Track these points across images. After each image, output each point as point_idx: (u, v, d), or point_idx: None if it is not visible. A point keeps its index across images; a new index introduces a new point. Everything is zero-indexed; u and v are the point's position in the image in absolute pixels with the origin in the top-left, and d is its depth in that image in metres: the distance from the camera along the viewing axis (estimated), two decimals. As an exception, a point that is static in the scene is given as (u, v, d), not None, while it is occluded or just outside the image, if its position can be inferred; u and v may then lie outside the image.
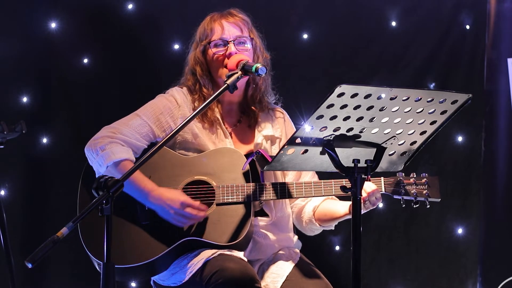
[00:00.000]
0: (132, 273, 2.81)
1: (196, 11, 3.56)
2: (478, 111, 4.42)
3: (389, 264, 4.44)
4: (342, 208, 2.88)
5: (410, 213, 4.37)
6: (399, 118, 2.25)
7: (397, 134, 2.30)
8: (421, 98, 2.20)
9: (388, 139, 2.31)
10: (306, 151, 2.28)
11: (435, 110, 2.26)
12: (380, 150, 2.33)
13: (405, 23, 4.44)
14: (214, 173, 2.83)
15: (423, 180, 2.87)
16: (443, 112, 2.28)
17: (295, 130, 3.03)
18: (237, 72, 2.62)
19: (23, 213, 4.10)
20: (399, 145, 2.35)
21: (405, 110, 2.23)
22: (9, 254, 3.34)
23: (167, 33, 4.26)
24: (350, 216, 2.65)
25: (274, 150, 2.98)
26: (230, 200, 2.80)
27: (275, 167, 2.35)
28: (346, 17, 4.43)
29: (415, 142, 2.37)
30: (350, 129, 2.24)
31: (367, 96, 2.14)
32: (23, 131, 3.30)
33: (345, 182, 2.77)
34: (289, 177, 3.00)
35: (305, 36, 4.38)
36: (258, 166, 2.83)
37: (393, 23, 4.44)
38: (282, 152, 2.28)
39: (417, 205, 2.86)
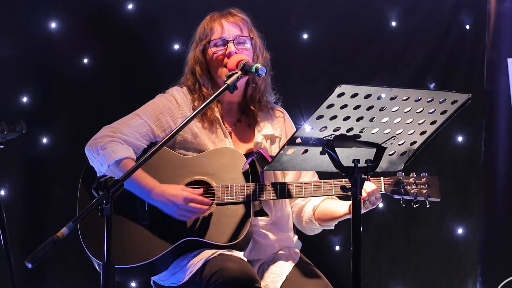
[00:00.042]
0: (132, 273, 2.81)
1: (196, 11, 3.56)
2: (478, 111, 4.42)
3: (389, 264, 4.44)
4: (342, 207, 2.88)
5: (410, 213, 4.37)
6: (399, 118, 2.25)
7: (397, 134, 2.30)
8: (421, 98, 2.20)
9: (388, 139, 2.31)
10: (306, 151, 2.28)
11: (435, 110, 2.26)
12: (380, 150, 2.33)
13: (405, 23, 4.44)
14: (214, 173, 2.83)
15: (423, 180, 2.87)
16: (443, 112, 2.28)
17: (295, 129, 3.04)
18: (237, 72, 2.62)
19: (23, 213, 4.10)
20: (399, 145, 2.35)
21: (405, 110, 2.23)
22: (9, 254, 3.34)
23: (167, 33, 4.26)
24: (350, 216, 2.66)
25: (274, 149, 2.98)
26: (230, 200, 2.80)
27: (275, 167, 2.35)
28: (346, 17, 4.43)
29: (415, 142, 2.37)
30: (350, 129, 2.24)
31: (367, 96, 2.14)
32: (23, 131, 3.30)
33: (345, 182, 2.77)
34: (289, 176, 3.00)
35: (305, 36, 4.38)
36: (258, 166, 2.83)
37: (393, 23, 4.44)
38: (282, 152, 2.28)
39: (417, 205, 2.86)
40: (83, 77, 4.18)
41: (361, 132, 2.26)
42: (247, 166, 2.82)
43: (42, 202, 4.12)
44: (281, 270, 2.84)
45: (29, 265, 2.06)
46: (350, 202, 2.68)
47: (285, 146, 2.26)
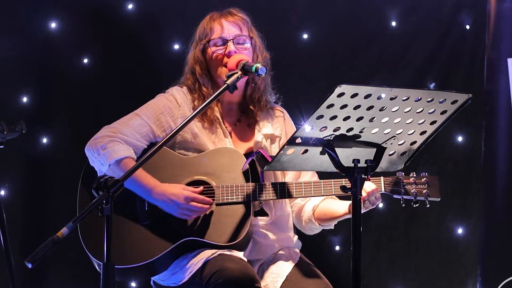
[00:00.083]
0: (132, 273, 2.81)
1: (196, 11, 3.56)
2: (478, 111, 4.42)
3: (389, 264, 4.44)
4: (342, 207, 2.88)
5: (410, 213, 4.37)
6: (399, 118, 2.25)
7: (397, 134, 2.30)
8: (421, 98, 2.20)
9: (388, 139, 2.31)
10: (306, 151, 2.28)
11: (435, 110, 2.26)
12: (380, 150, 2.33)
13: (405, 23, 4.44)
14: (214, 173, 2.83)
15: (423, 180, 2.87)
16: (443, 112, 2.28)
17: (295, 128, 3.04)
18: (237, 72, 2.62)
19: (23, 213, 4.10)
20: (399, 145, 2.35)
21: (405, 110, 2.23)
22: (9, 254, 3.34)
23: (167, 33, 4.26)
24: (349, 216, 2.66)
25: (274, 149, 2.98)
26: (230, 200, 2.80)
27: (275, 167, 2.35)
28: (346, 17, 4.43)
29: (415, 142, 2.37)
30: (350, 129, 2.24)
31: (367, 96, 2.14)
32: (23, 131, 3.30)
33: (345, 182, 2.77)
34: (289, 176, 3.00)
35: (305, 36, 4.38)
36: (258, 166, 2.83)
37: (393, 23, 4.44)
38: (282, 152, 2.28)
39: (417, 205, 2.86)
40: (83, 77, 4.18)
41: (361, 132, 2.26)
42: (247, 166, 2.82)
43: (42, 202, 4.12)
44: (281, 270, 2.84)
45: (29, 265, 2.06)
46: (350, 202, 2.68)
47: (285, 146, 2.26)
